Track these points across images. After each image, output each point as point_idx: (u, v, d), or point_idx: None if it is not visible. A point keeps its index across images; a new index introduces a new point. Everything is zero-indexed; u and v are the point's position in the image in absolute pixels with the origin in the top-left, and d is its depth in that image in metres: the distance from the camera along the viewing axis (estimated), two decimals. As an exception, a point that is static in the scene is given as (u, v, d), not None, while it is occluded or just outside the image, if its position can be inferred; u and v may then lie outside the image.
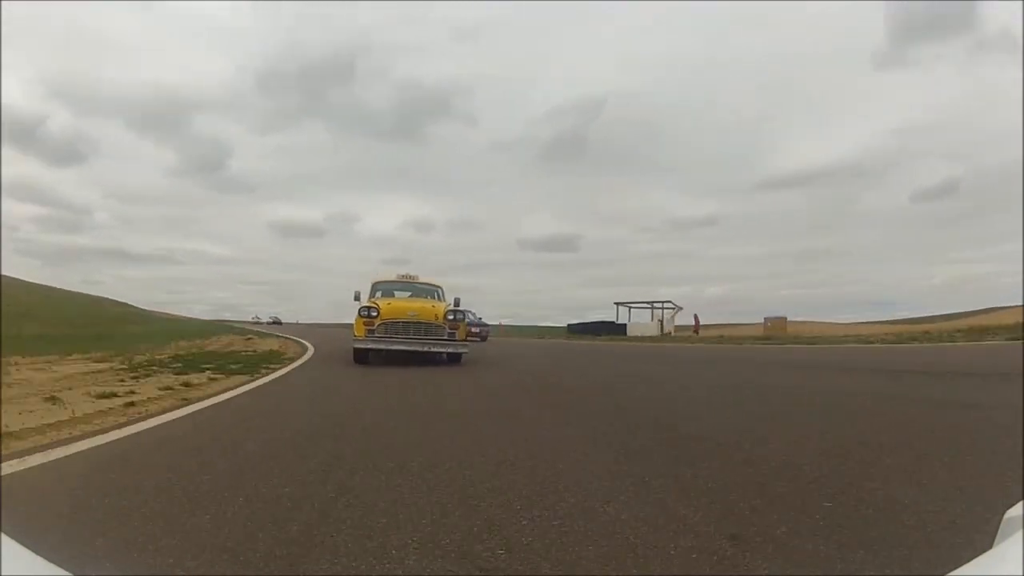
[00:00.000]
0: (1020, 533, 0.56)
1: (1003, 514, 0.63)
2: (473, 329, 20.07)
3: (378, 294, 9.91)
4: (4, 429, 3.44)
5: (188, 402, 4.81)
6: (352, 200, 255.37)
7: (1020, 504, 0.61)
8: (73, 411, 4.19)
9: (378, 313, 8.51)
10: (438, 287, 10.57)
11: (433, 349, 8.53)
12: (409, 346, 8.41)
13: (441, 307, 9.07)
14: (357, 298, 9.42)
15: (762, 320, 32.58)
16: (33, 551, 0.60)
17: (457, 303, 9.81)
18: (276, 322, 70.34)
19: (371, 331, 8.43)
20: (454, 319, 8.79)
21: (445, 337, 8.62)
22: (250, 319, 76.76)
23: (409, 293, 10.18)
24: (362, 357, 8.49)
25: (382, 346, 8.40)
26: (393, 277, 10.70)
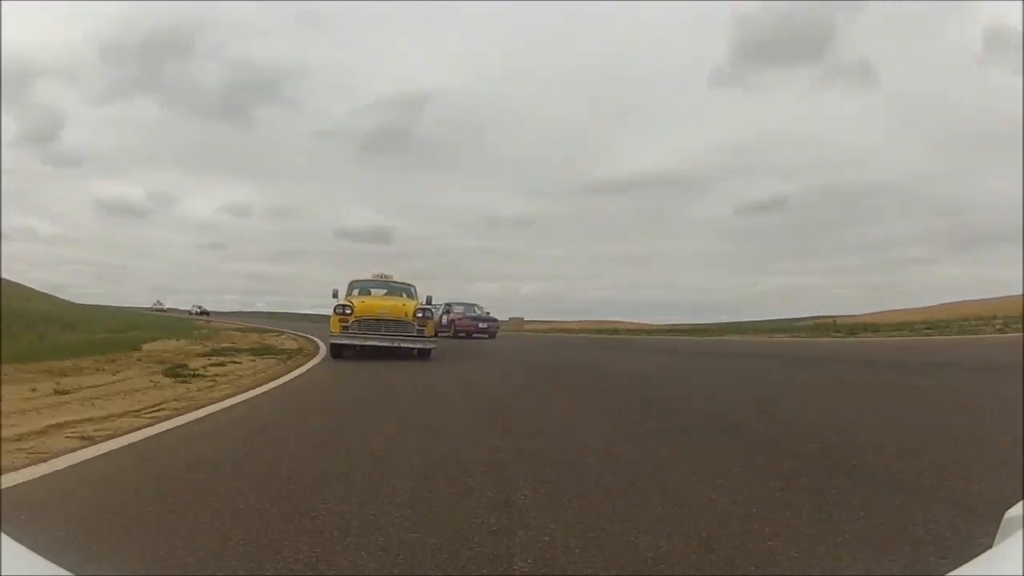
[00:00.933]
0: (1020, 533, 0.56)
1: (1003, 514, 0.63)
2: (480, 325, 19.54)
3: (355, 292, 10.52)
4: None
5: (291, 369, 7.58)
6: (174, 180, 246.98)
7: (1020, 504, 0.62)
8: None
9: (352, 311, 9.05)
10: (411, 286, 11.28)
11: (403, 345, 9.09)
12: (381, 342, 8.97)
13: (411, 305, 9.67)
14: (335, 296, 10.01)
15: (580, 318, 35.50)
16: (33, 551, 0.60)
17: (429, 301, 10.52)
18: (203, 312, 64.31)
19: (346, 328, 8.99)
20: (423, 316, 9.40)
21: (414, 334, 9.20)
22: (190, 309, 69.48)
23: (385, 291, 10.86)
24: (338, 352, 9.18)
25: (356, 342, 9.01)
26: (369, 276, 11.41)
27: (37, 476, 2.48)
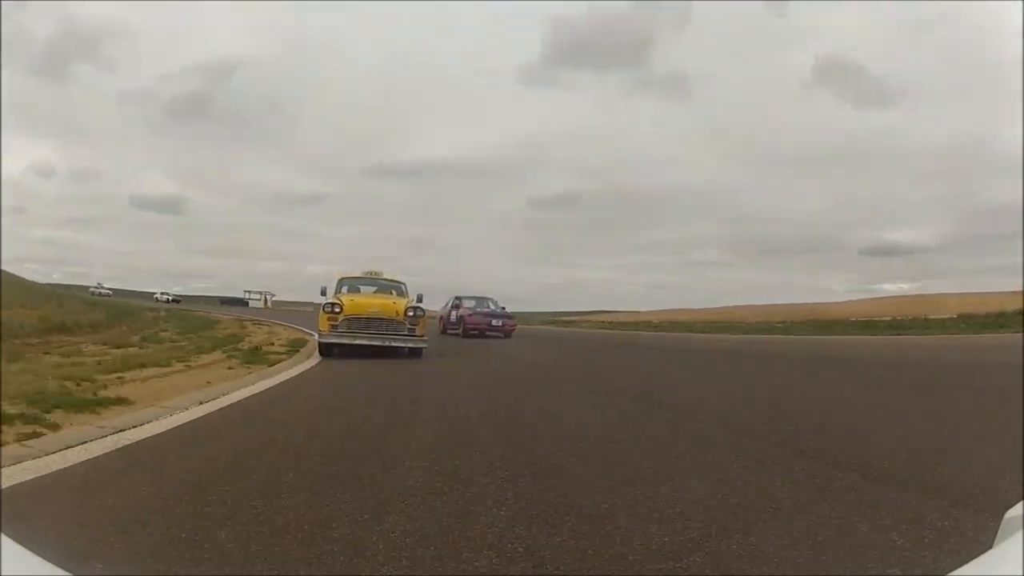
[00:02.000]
0: (1020, 533, 0.56)
1: (1003, 514, 0.63)
2: (493, 322, 16.78)
3: (344, 289, 10.27)
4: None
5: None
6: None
7: (1020, 504, 0.63)
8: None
9: (341, 309, 8.91)
10: (401, 283, 11.10)
11: (393, 344, 8.96)
12: (371, 340, 8.82)
13: (402, 303, 9.54)
14: (324, 293, 9.84)
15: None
16: (33, 551, 0.61)
17: (420, 299, 10.36)
18: (175, 300, 58.81)
19: (335, 326, 8.86)
20: (414, 315, 9.24)
21: (405, 332, 9.10)
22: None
23: (374, 288, 10.69)
24: (326, 351, 8.99)
25: (345, 340, 8.82)
26: (359, 273, 11.18)
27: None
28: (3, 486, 2.28)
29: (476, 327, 16.62)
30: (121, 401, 4.35)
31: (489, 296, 18.80)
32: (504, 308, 18.27)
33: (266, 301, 64.24)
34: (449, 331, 17.43)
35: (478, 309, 17.58)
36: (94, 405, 4.13)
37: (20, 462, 2.73)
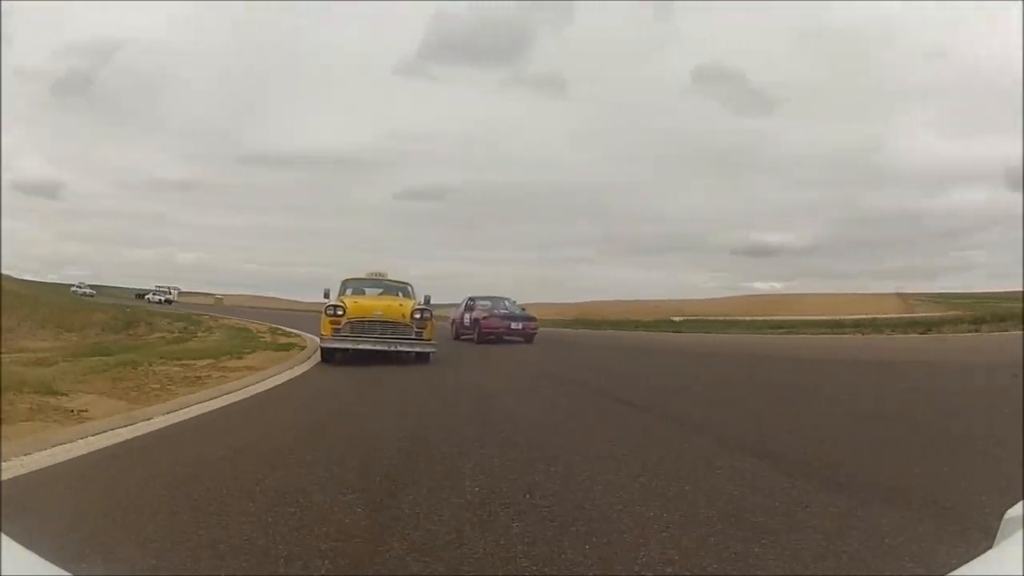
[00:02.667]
0: (1020, 533, 0.56)
1: (1003, 514, 0.63)
2: (513, 325, 15.05)
3: (348, 291, 9.83)
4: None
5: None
6: None
7: (1020, 504, 0.62)
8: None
9: (344, 312, 8.54)
10: (407, 284, 10.62)
11: (400, 348, 8.58)
12: (375, 345, 8.45)
13: (409, 305, 9.10)
14: (327, 296, 9.37)
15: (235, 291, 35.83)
16: (33, 551, 0.61)
17: (427, 300, 9.87)
18: (168, 300, 54.09)
19: (337, 330, 8.45)
20: (421, 317, 8.80)
21: (412, 336, 8.69)
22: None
23: (380, 290, 10.19)
24: (329, 356, 8.60)
25: (348, 345, 8.43)
26: (363, 275, 10.66)
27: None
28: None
29: (493, 331, 14.91)
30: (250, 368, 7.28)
31: (504, 296, 17.07)
32: (524, 309, 16.62)
33: (220, 299, 63.47)
34: (463, 336, 16.00)
35: (495, 311, 15.81)
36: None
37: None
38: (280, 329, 17.15)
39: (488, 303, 16.22)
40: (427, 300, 9.86)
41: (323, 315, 8.68)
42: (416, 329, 8.71)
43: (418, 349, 8.73)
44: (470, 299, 16.53)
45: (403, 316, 8.74)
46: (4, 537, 0.59)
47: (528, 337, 15.19)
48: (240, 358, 8.35)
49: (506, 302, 16.63)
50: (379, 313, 8.71)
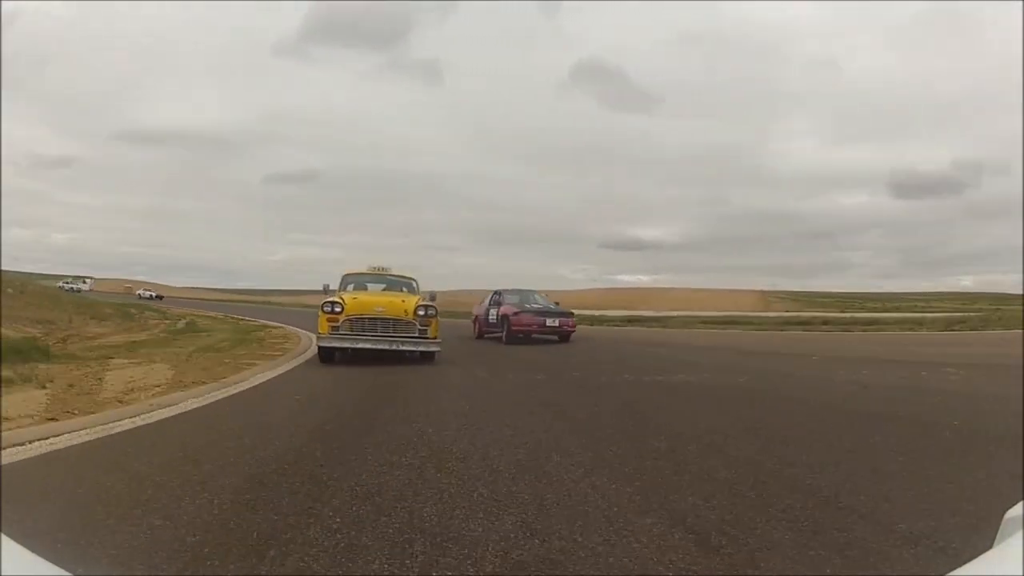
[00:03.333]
0: (1020, 533, 0.56)
1: (1003, 514, 0.63)
2: (548, 322, 13.34)
3: (349, 287, 9.43)
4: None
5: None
6: None
7: (1020, 504, 0.63)
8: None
9: (343, 308, 8.12)
10: (411, 279, 10.15)
11: (402, 348, 8.14)
12: (376, 344, 8.04)
13: (412, 301, 8.66)
14: (326, 291, 8.90)
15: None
16: (33, 551, 0.62)
17: (433, 298, 9.41)
18: (158, 297, 55.68)
19: (335, 328, 8.05)
20: (425, 315, 8.35)
21: (415, 334, 8.23)
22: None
23: (383, 286, 9.74)
24: (327, 356, 8.22)
25: (347, 344, 8.05)
26: (364, 269, 10.19)
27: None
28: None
29: (524, 329, 13.13)
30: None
31: (532, 289, 15.48)
32: (557, 304, 14.80)
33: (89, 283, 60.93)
34: (488, 334, 14.46)
35: (526, 305, 14.00)
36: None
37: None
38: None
39: (516, 297, 14.47)
40: (432, 297, 9.45)
41: (320, 312, 8.26)
42: (420, 327, 8.23)
43: (422, 348, 8.26)
44: (496, 293, 14.87)
45: (406, 312, 8.29)
46: (4, 537, 0.59)
47: (565, 336, 13.48)
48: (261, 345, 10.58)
49: (534, 296, 14.92)
50: (380, 310, 8.26)
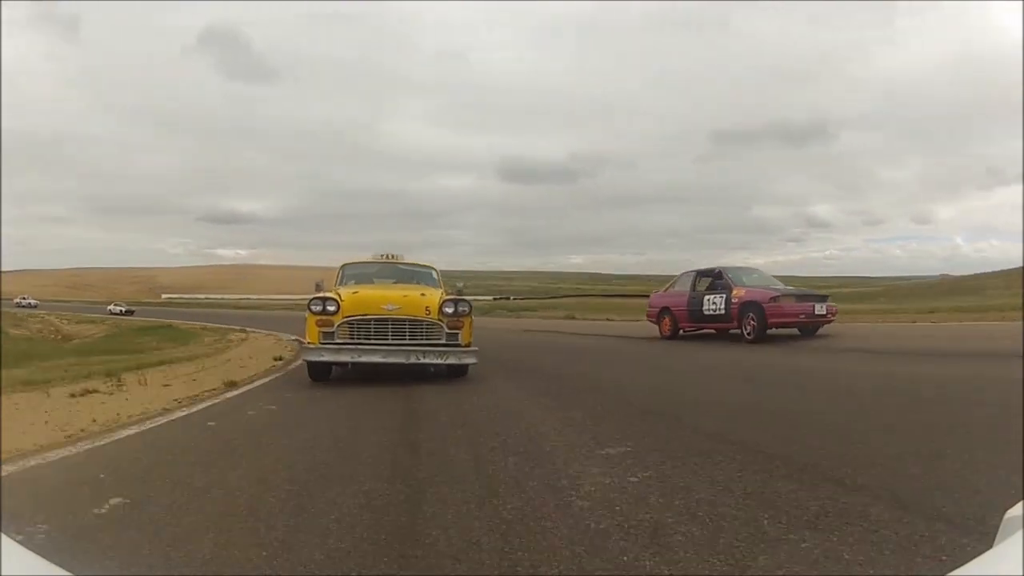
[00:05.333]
0: (1020, 533, 0.56)
1: (1003, 514, 0.63)
2: (818, 310, 9.73)
3: (351, 282, 7.18)
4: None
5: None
6: None
7: (1020, 504, 0.62)
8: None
9: (338, 308, 5.92)
10: (430, 268, 7.80)
11: (424, 360, 5.80)
12: (388, 356, 5.76)
13: (435, 295, 6.34)
14: (319, 289, 6.76)
15: None
16: (33, 551, 0.62)
17: (459, 291, 7.14)
18: (128, 312, 51.05)
19: (328, 335, 5.86)
20: (455, 313, 6.02)
21: (442, 340, 5.94)
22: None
23: (393, 280, 7.41)
24: (320, 373, 6.12)
25: (345, 357, 5.85)
26: (368, 258, 7.88)
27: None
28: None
29: (785, 320, 9.52)
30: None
31: (750, 266, 12.03)
32: (791, 289, 10.54)
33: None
34: (690, 330, 10.91)
35: (777, 288, 10.25)
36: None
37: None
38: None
39: (751, 277, 10.81)
40: (459, 291, 7.17)
41: (308, 314, 6.08)
42: (448, 330, 5.96)
43: (452, 361, 5.90)
44: (701, 273, 11.09)
45: (427, 311, 5.98)
46: (4, 537, 0.59)
47: (817, 327, 9.95)
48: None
49: (754, 274, 11.22)
50: (391, 307, 5.97)
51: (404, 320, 5.93)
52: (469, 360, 6.02)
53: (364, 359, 5.79)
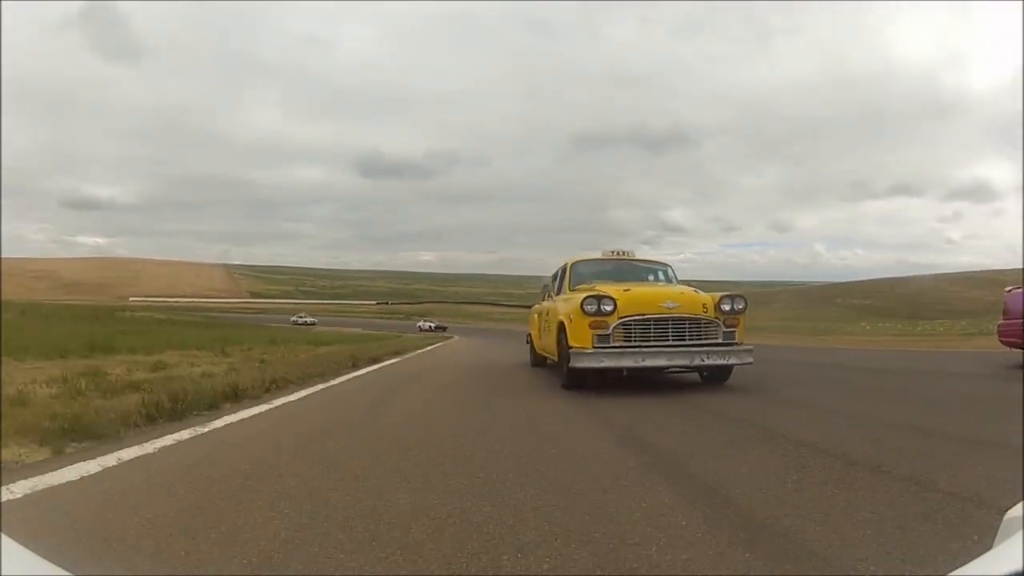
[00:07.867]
0: (1020, 533, 0.57)
1: (1003, 514, 0.60)
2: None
3: (592, 281, 6.65)
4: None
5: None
6: None
7: (1020, 504, 0.61)
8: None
9: (615, 307, 5.42)
10: (666, 266, 7.32)
11: (707, 361, 5.43)
12: (672, 359, 5.34)
13: (702, 294, 5.89)
14: (547, 292, 6.35)
15: None
16: (33, 551, 0.62)
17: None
18: (310, 323, 53.18)
19: (604, 337, 5.36)
20: (731, 309, 5.63)
21: (719, 339, 5.55)
22: None
23: (634, 280, 6.77)
24: (577, 381, 5.59)
25: (626, 363, 5.27)
26: (599, 255, 7.39)
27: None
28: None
29: None
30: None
31: None
32: None
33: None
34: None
35: None
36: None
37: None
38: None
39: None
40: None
41: (578, 313, 5.47)
42: (725, 328, 5.59)
43: (733, 361, 5.54)
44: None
45: (704, 309, 5.58)
46: (4, 537, 0.59)
47: None
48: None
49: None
50: (671, 305, 5.49)
51: (684, 319, 5.49)
52: (748, 360, 5.63)
53: (648, 363, 5.27)
